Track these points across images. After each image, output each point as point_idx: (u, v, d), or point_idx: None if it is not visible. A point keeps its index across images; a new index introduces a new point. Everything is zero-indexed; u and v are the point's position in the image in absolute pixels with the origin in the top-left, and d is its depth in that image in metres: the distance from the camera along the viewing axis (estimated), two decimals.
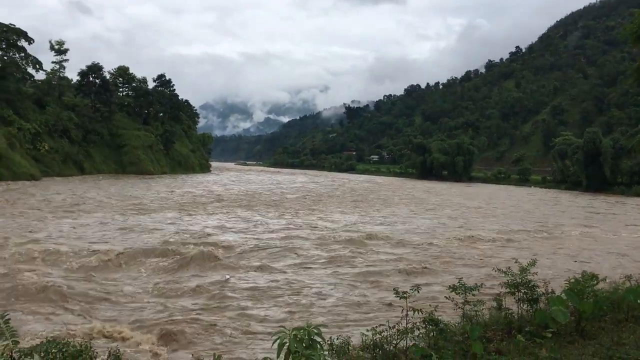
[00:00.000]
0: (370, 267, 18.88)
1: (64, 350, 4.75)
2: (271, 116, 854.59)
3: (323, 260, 19.87)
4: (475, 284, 7.71)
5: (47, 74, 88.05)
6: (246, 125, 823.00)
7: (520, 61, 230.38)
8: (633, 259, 22.16)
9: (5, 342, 4.50)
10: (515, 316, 7.93)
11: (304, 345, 4.72)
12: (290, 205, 43.54)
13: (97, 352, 5.18)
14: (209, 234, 25.17)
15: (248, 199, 49.21)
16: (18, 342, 4.54)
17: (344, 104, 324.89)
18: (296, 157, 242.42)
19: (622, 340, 7.25)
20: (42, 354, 4.60)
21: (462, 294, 7.54)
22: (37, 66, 79.56)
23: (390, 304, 13.17)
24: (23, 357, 4.50)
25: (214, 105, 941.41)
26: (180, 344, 10.63)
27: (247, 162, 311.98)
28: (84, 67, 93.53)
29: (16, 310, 11.91)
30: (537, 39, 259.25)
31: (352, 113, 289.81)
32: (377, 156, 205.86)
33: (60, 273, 16.32)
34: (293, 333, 4.72)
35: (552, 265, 19.62)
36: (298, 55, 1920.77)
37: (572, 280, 8.02)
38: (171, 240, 22.69)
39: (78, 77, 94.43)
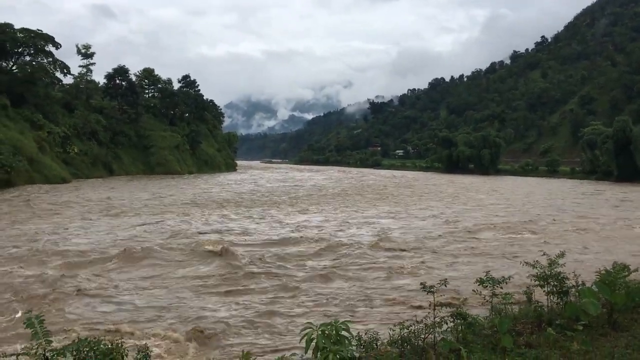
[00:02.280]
0: None
1: (95, 349, 4.82)
2: (295, 113, 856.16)
3: None
4: (503, 276, 7.61)
5: (75, 77, 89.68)
6: (271, 123, 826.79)
7: (546, 51, 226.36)
8: None
9: (38, 342, 4.60)
10: (545, 309, 7.83)
11: (331, 340, 4.72)
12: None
13: (127, 351, 5.25)
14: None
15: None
16: (51, 342, 4.65)
17: (368, 99, 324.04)
18: (321, 154, 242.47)
19: None
20: (74, 353, 4.69)
21: (489, 287, 7.45)
22: (65, 70, 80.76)
23: None
24: (55, 356, 4.59)
25: (238, 104, 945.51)
26: (210, 341, 10.65)
27: (273, 160, 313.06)
28: (110, 70, 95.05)
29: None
30: (563, 28, 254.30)
31: (376, 108, 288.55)
32: (402, 151, 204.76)
33: None
34: (321, 329, 4.73)
35: (584, 258, 19.26)
36: (320, 52, 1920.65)
37: (603, 272, 7.87)
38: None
39: (105, 80, 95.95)
